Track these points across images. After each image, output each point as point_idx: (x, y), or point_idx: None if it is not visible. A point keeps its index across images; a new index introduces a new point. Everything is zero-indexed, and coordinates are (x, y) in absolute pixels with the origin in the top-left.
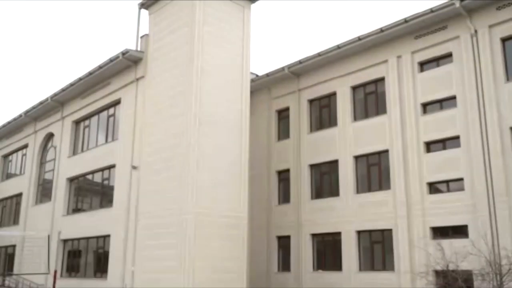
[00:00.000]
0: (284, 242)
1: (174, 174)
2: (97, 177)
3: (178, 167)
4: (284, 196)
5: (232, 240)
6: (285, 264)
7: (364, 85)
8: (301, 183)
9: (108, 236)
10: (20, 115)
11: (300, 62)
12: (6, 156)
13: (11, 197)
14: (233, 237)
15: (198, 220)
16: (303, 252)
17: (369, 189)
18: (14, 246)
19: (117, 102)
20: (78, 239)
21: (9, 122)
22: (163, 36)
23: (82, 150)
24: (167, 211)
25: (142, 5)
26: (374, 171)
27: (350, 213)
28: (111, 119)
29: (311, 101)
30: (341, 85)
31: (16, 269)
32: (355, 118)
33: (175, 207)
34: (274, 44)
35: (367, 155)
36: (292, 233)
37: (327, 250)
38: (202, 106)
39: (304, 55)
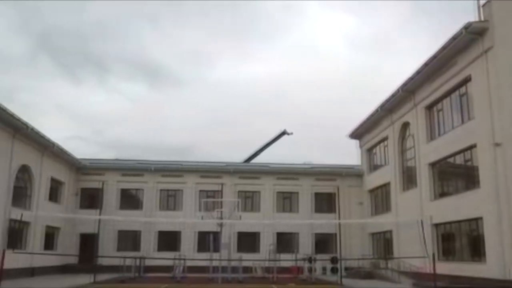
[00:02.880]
0: None
1: None
2: (458, 159)
3: None
4: None
5: None
6: None
7: None
8: None
9: (480, 218)
10: (376, 110)
11: None
12: (370, 150)
13: (380, 187)
14: None
15: None
16: None
17: None
18: (390, 232)
19: (467, 80)
20: (449, 223)
21: (367, 119)
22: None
23: (439, 134)
24: None
25: None
26: None
27: None
28: (464, 98)
29: None
30: None
31: (395, 253)
32: None
33: None
34: None
35: None
36: None
37: None
38: None
39: None
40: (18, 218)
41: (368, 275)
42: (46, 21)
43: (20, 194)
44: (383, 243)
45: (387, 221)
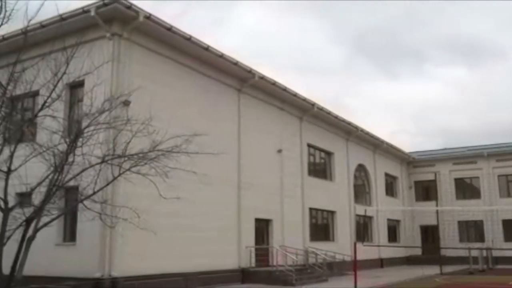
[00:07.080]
0: None
1: None
2: None
3: None
4: None
5: None
6: None
7: None
8: None
9: None
10: None
11: None
12: None
13: None
14: None
15: None
16: None
17: None
18: None
19: None
20: None
21: None
22: None
23: None
24: None
25: None
26: None
27: None
28: None
29: None
30: None
31: None
32: None
33: None
34: None
35: None
36: None
37: None
38: None
39: None
40: (362, 213)
41: None
42: (357, 24)
43: (360, 191)
44: None
45: None
